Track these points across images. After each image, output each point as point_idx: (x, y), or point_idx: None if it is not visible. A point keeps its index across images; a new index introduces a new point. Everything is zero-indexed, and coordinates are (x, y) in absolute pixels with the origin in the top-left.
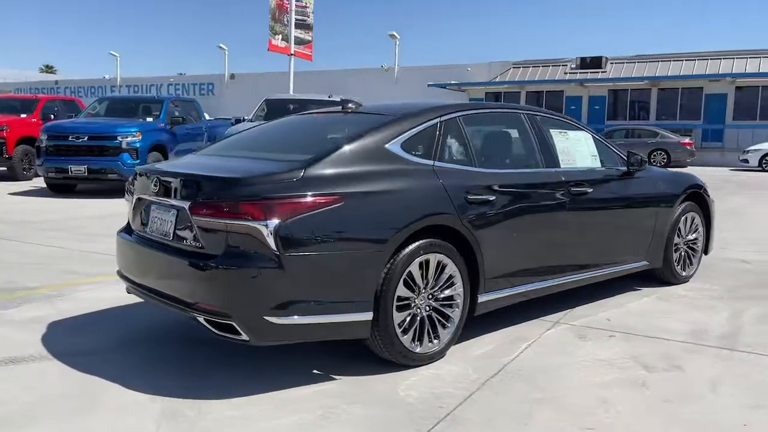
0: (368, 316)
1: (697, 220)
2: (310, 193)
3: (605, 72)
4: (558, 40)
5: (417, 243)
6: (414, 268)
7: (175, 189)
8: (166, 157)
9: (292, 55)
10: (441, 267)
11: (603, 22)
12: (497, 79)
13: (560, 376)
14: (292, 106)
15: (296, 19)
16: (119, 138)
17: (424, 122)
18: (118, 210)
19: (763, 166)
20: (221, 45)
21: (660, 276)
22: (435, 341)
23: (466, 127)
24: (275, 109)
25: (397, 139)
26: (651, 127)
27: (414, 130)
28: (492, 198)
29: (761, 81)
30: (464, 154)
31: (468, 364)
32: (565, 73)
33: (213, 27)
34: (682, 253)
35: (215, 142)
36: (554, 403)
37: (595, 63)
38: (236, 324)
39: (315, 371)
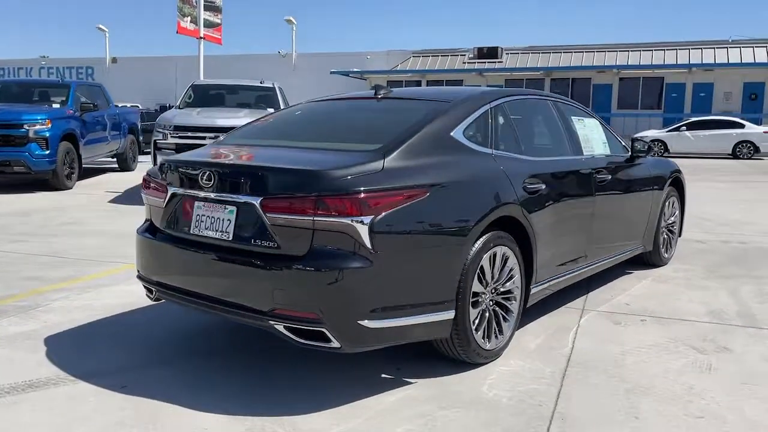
0: (451, 314)
1: (676, 203)
2: (399, 186)
3: (501, 62)
4: (455, 29)
5: (487, 235)
6: (485, 261)
7: (238, 183)
8: (77, 148)
9: (201, 38)
10: (505, 259)
11: (499, 14)
12: (398, 68)
13: (630, 365)
14: (225, 93)
15: (205, 1)
16: (26, 126)
17: (479, 108)
18: (38, 206)
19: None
20: (100, 26)
21: (647, 259)
22: (500, 336)
23: (511, 114)
24: (203, 95)
25: (459, 126)
26: None
27: (471, 116)
28: (542, 187)
29: (641, 72)
30: (514, 141)
31: (532, 358)
32: (464, 63)
33: (81, 6)
34: (665, 236)
35: (234, 132)
36: (647, 393)
37: (491, 53)
38: (327, 330)
39: (384, 375)
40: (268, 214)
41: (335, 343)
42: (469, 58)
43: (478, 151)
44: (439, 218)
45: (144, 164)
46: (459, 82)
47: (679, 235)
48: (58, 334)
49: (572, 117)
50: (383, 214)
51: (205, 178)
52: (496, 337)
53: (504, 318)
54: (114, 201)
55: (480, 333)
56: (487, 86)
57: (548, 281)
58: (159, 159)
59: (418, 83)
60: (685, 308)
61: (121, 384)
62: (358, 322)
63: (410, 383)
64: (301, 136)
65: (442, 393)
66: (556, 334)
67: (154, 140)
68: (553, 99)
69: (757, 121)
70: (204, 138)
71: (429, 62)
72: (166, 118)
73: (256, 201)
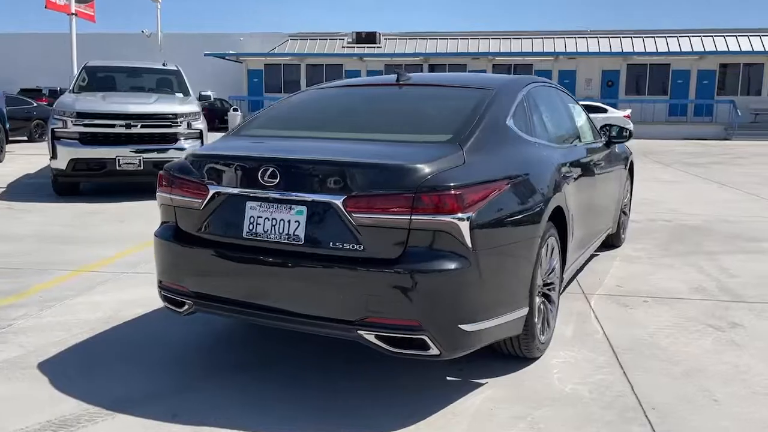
0: (525, 311)
1: (629, 185)
2: (486, 179)
3: (380, 47)
4: (332, 14)
5: (546, 225)
6: (543, 253)
7: (312, 180)
8: None
9: (73, 14)
10: (552, 249)
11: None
12: (276, 51)
13: (667, 347)
14: (124, 75)
15: None
16: None
17: (517, 95)
18: None
19: None
20: None
21: (609, 240)
22: (549, 328)
23: (536, 102)
24: (98, 77)
25: (510, 114)
26: None
27: (515, 104)
28: (571, 175)
29: (513, 59)
30: (543, 129)
31: (577, 347)
32: (342, 47)
33: None
34: (623, 217)
35: (249, 122)
36: (704, 375)
37: (369, 38)
38: (429, 337)
39: (450, 378)
40: (353, 215)
41: (434, 351)
42: (348, 43)
43: (527, 139)
44: (517, 211)
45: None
46: (339, 67)
47: (627, 216)
48: (51, 358)
49: (570, 104)
50: (478, 210)
51: (268, 175)
52: (547, 329)
53: (549, 309)
54: (1, 198)
55: (540, 327)
56: (368, 72)
57: (569, 268)
58: (62, 151)
59: (297, 67)
60: (669, 287)
61: (171, 413)
62: (459, 326)
63: (481, 383)
64: (351, 127)
65: (520, 392)
66: (580, 320)
67: (52, 129)
68: (555, 86)
69: (615, 106)
70: (113, 126)
71: (308, 46)
72: (66, 104)
73: (338, 200)
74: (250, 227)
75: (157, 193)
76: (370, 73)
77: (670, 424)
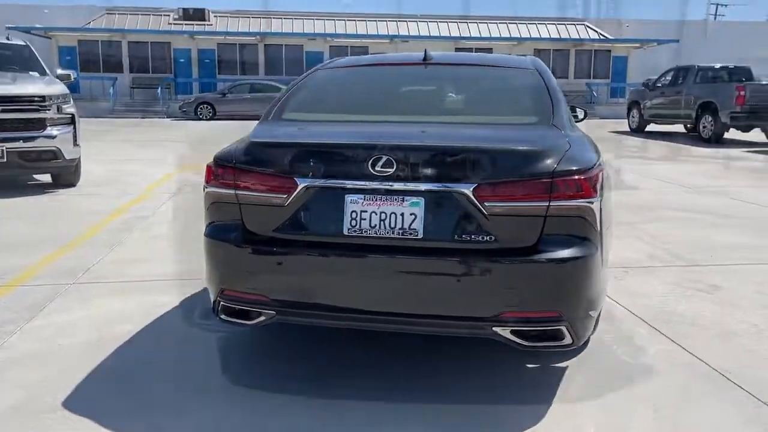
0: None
1: None
2: (598, 161)
3: (211, 24)
4: None
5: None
6: None
7: (437, 168)
8: None
9: None
10: None
11: None
12: (91, 25)
13: (684, 313)
14: None
15: None
16: None
17: (550, 74)
18: None
19: None
20: None
21: None
22: None
23: None
24: None
25: (561, 93)
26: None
27: (555, 82)
28: None
29: (350, 42)
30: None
31: (607, 322)
32: (169, 24)
33: None
34: None
35: (282, 104)
36: (738, 336)
37: (198, 15)
38: (567, 327)
39: (529, 366)
40: (485, 203)
41: (568, 340)
42: (174, 20)
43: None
44: (608, 192)
45: None
46: (166, 45)
47: None
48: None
49: None
50: (601, 193)
51: (382, 164)
52: None
53: None
54: None
55: None
56: (199, 51)
57: None
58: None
59: (118, 44)
60: (632, 257)
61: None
62: (590, 312)
63: (564, 368)
64: (428, 110)
65: (612, 374)
66: None
67: None
68: None
69: None
70: None
71: (128, 21)
72: None
73: (467, 189)
74: (353, 223)
75: (207, 189)
76: (201, 52)
77: (757, 386)
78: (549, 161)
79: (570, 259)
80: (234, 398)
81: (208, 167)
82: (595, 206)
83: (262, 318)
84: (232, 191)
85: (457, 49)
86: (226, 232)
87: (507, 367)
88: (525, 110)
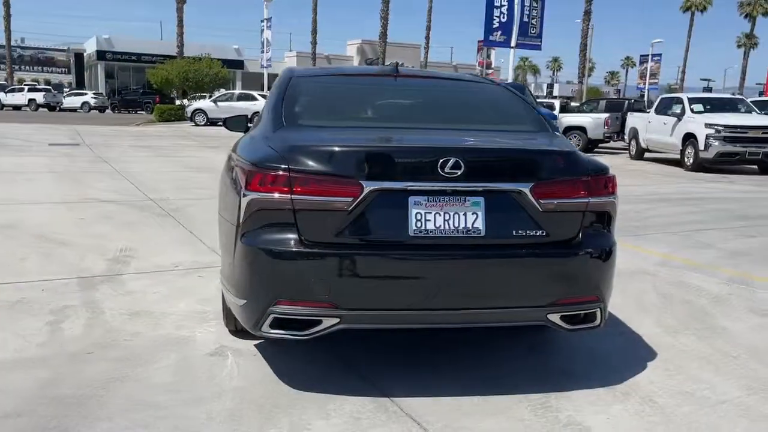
0: None
1: None
2: None
3: None
4: None
5: None
6: None
7: (498, 169)
8: None
9: None
10: None
11: None
12: None
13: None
14: None
15: None
16: None
17: None
18: None
19: None
20: None
21: None
22: None
23: None
24: None
25: None
26: None
27: None
28: None
29: None
30: None
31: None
32: None
33: None
34: None
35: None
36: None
37: None
38: (601, 309)
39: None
40: (540, 201)
41: (597, 321)
42: None
43: None
44: None
45: None
46: None
47: None
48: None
49: None
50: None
51: (450, 166)
52: None
53: None
54: None
55: None
56: None
57: None
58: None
59: None
60: None
61: None
62: (609, 295)
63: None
64: (437, 118)
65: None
66: None
67: None
68: None
69: None
70: None
71: None
72: None
73: (526, 188)
74: (418, 224)
75: (248, 195)
76: None
77: None
78: (584, 162)
79: (606, 249)
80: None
81: (250, 172)
82: (617, 202)
83: (320, 327)
84: (286, 197)
85: None
86: (279, 240)
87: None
88: (522, 119)
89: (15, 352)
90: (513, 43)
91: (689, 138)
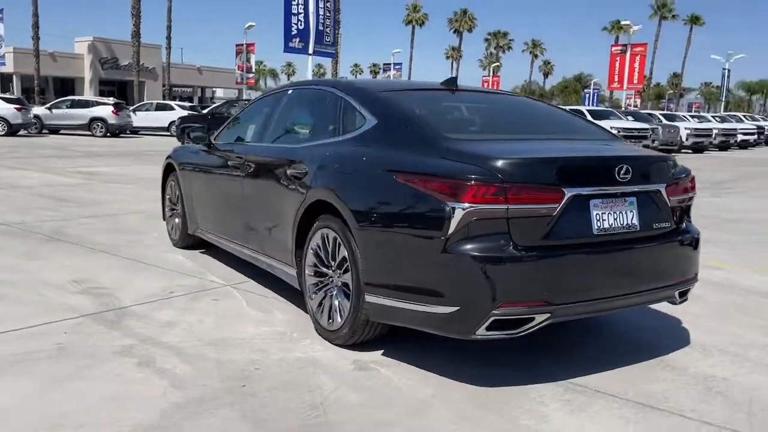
0: None
1: None
2: None
3: None
4: None
5: None
6: None
7: (647, 173)
8: None
9: None
10: None
11: None
12: None
13: None
14: None
15: None
16: None
17: None
18: None
19: None
20: None
21: None
22: None
23: None
24: None
25: None
26: None
27: None
28: None
29: None
30: None
31: None
32: None
33: None
34: None
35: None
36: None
37: None
38: (692, 286)
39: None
40: (670, 198)
41: (687, 296)
42: None
43: None
44: None
45: None
46: None
47: None
48: None
49: None
50: None
51: (623, 172)
52: None
53: None
54: None
55: None
56: None
57: None
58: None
59: None
60: None
61: None
62: None
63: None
64: (523, 129)
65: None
66: None
67: None
68: None
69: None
70: None
71: None
72: None
73: (662, 187)
74: (598, 224)
75: (462, 207)
76: None
77: None
78: (682, 165)
79: (697, 235)
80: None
81: (463, 185)
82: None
83: (533, 323)
84: (502, 207)
85: None
86: (496, 247)
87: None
88: (592, 129)
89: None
90: (311, 50)
91: None
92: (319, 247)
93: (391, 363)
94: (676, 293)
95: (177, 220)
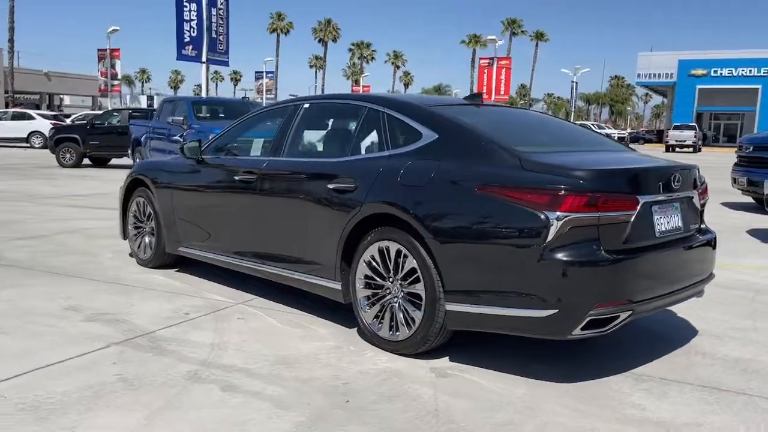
0: None
1: None
2: None
3: None
4: None
5: None
6: None
7: (689, 181)
8: None
9: None
10: None
11: None
12: None
13: None
14: None
15: None
16: None
17: None
18: None
19: None
20: None
21: None
22: None
23: None
24: None
25: None
26: None
27: None
28: None
29: None
30: None
31: None
32: None
33: None
34: None
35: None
36: None
37: None
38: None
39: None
40: (700, 202)
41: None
42: None
43: None
44: None
45: None
46: None
47: None
48: None
49: None
50: None
51: (676, 180)
52: None
53: None
54: None
55: None
56: None
57: None
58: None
59: None
60: None
61: None
62: None
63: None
64: (564, 141)
65: None
66: None
67: None
68: None
69: None
70: None
71: None
72: None
73: (695, 193)
74: (658, 227)
75: (563, 216)
76: None
77: None
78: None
79: (716, 234)
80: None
81: (561, 196)
82: None
83: (618, 321)
84: (594, 215)
85: None
86: (591, 252)
87: None
88: (607, 141)
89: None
90: (203, 58)
91: None
92: (375, 260)
93: (464, 368)
94: (704, 287)
95: (148, 239)
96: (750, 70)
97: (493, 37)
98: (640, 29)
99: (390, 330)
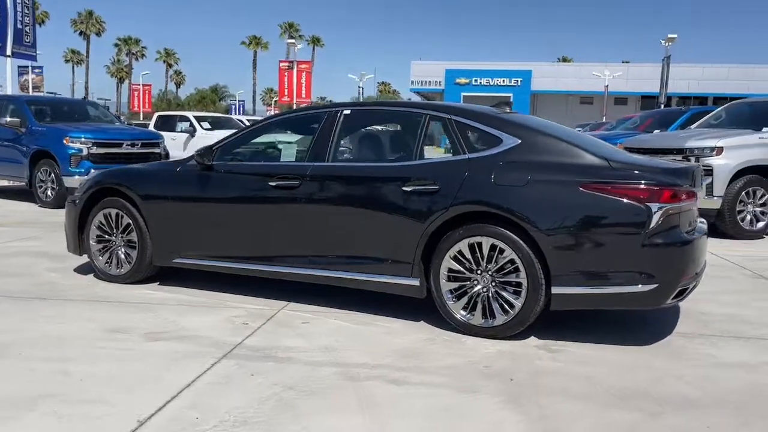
0: None
1: None
2: None
3: None
4: None
5: None
6: None
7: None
8: None
9: None
10: None
11: None
12: None
13: None
14: None
15: None
16: None
17: None
18: None
19: None
20: None
21: None
22: None
23: None
24: None
25: None
26: None
27: None
28: None
29: None
30: None
31: None
32: None
33: None
34: None
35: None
36: None
37: None
38: None
39: None
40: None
41: None
42: None
43: None
44: None
45: None
46: None
47: None
48: None
49: None
50: None
51: (698, 177)
52: None
53: None
54: None
55: None
56: None
57: None
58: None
59: None
60: None
61: None
62: None
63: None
64: (587, 142)
65: None
66: None
67: None
68: None
69: None
70: None
71: None
72: None
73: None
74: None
75: (663, 206)
76: None
77: None
78: None
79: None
80: None
81: (660, 190)
82: None
83: (687, 291)
84: (679, 205)
85: None
86: (679, 236)
87: None
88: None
89: None
90: (8, 51)
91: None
92: (463, 255)
93: (566, 344)
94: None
95: (123, 252)
96: (503, 80)
97: (293, 40)
98: (410, 41)
99: (483, 317)
